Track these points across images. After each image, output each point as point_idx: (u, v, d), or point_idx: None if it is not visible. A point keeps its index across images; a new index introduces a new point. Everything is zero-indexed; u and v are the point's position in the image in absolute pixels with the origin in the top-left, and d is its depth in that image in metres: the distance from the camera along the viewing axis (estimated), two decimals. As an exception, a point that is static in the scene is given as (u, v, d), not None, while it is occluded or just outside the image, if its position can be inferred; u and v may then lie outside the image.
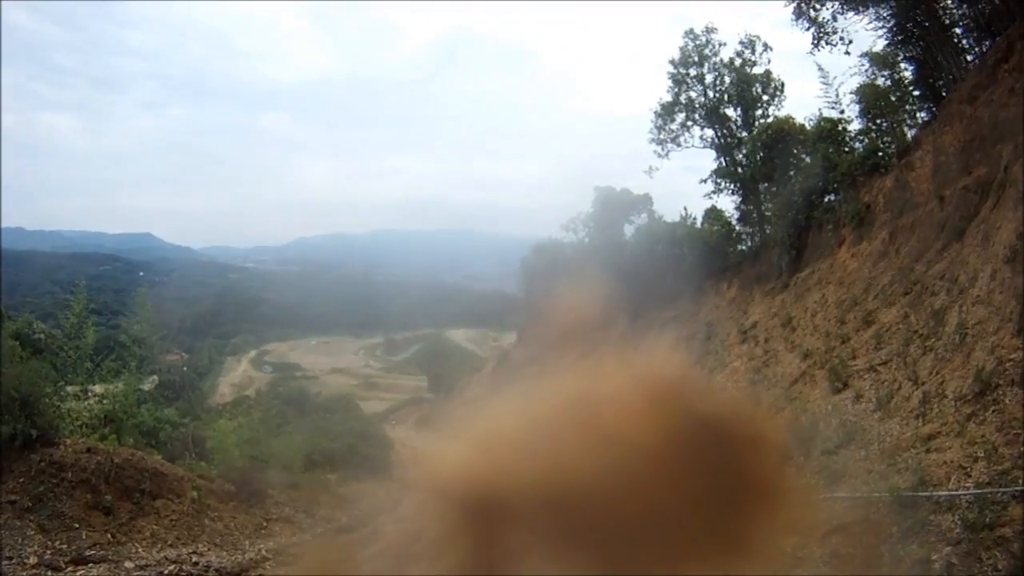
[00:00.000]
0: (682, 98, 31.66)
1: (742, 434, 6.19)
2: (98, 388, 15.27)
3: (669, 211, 36.48)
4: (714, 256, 29.90)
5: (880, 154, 22.15)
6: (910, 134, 22.31)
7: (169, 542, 12.44)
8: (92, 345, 15.39)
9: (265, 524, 15.03)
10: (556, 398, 6.70)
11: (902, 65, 22.74)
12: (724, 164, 30.75)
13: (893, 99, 22.61)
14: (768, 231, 28.13)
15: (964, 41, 20.90)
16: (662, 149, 32.49)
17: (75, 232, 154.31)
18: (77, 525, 11.35)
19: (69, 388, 14.71)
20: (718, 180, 30.67)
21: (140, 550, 11.82)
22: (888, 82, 23.00)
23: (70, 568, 10.50)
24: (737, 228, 30.56)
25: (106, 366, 15.49)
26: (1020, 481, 8.45)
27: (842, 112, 24.43)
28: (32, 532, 10.81)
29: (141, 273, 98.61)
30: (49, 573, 10.19)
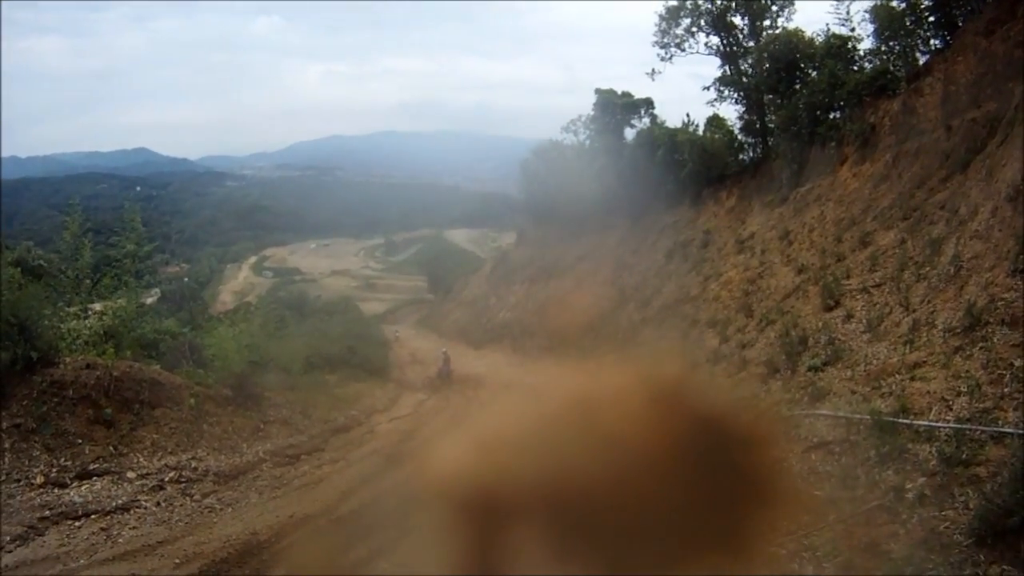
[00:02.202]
0: (688, 3, 30.35)
1: (743, 434, 6.24)
2: (98, 306, 15.20)
3: (672, 118, 35.87)
4: (715, 164, 29.46)
5: (889, 76, 21.55)
6: (922, 60, 21.73)
7: (169, 449, 12.52)
8: (90, 264, 15.17)
9: (262, 426, 15.08)
10: (555, 396, 6.72)
11: (920, -12, 21.75)
12: (729, 72, 29.81)
13: (908, 22, 21.79)
14: (771, 143, 27.64)
15: (986, -28, 19.94)
16: (665, 53, 31.51)
17: (70, 154, 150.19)
18: (80, 441, 11.48)
19: (70, 308, 14.61)
20: (721, 88, 29.78)
21: (141, 459, 11.95)
22: (903, 5, 22.13)
23: (76, 483, 10.67)
24: (739, 138, 30.01)
25: (104, 284, 15.37)
26: (1000, 422, 8.60)
27: (852, 30, 23.88)
28: (38, 452, 10.96)
29: (138, 188, 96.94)
30: (56, 491, 10.38)
